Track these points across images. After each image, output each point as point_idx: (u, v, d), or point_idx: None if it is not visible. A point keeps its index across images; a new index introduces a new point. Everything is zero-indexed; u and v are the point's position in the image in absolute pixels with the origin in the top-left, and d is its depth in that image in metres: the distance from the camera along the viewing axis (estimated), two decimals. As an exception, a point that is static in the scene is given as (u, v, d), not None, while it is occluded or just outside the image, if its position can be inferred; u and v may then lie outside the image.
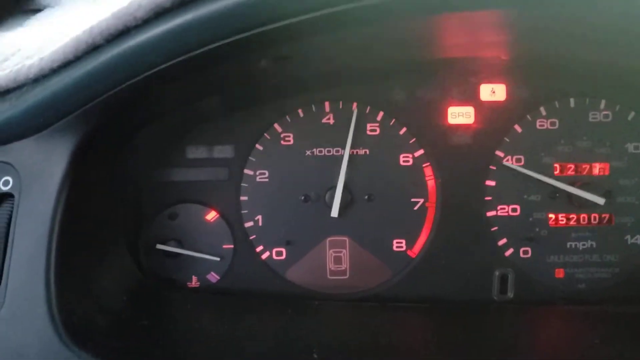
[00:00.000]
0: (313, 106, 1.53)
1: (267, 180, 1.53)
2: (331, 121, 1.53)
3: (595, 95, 1.51)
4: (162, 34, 0.90)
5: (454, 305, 1.50)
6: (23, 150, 1.13)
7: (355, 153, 1.52)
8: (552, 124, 1.51)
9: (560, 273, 1.53)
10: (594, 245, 1.52)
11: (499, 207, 1.51)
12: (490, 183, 1.51)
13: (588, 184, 1.49)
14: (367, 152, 1.52)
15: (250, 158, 1.52)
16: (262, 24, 0.87)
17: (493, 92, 1.51)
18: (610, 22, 1.04)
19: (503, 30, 1.23)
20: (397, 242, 1.53)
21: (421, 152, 1.52)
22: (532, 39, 1.30)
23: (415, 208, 1.53)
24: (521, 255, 1.52)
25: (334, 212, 1.48)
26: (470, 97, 1.51)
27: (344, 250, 1.54)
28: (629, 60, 1.34)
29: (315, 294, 1.55)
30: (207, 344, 1.22)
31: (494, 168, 1.51)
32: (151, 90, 1.08)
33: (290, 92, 1.51)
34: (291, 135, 1.53)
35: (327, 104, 1.53)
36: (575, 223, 1.52)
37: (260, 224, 1.53)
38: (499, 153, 1.51)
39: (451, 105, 1.51)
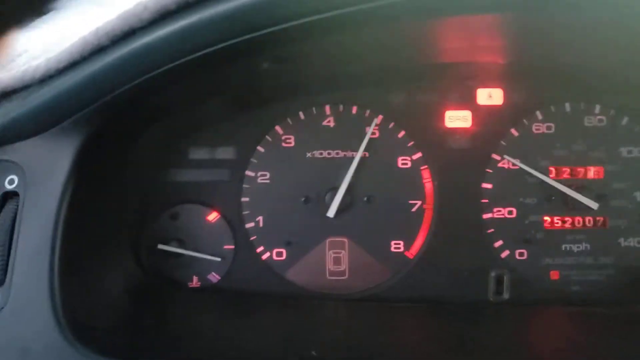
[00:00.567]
0: (314, 109, 1.55)
1: (268, 181, 1.55)
2: (331, 124, 1.55)
3: (591, 100, 1.53)
4: (167, 35, 0.92)
5: (451, 305, 1.52)
6: (29, 150, 1.15)
7: (354, 156, 1.53)
8: (548, 128, 1.53)
9: (555, 275, 1.55)
10: (589, 248, 1.54)
11: (495, 210, 1.54)
12: (487, 186, 1.54)
13: (583, 187, 1.51)
14: (367, 155, 1.54)
15: (251, 160, 1.54)
16: (266, 26, 0.89)
17: (490, 96, 1.53)
18: (605, 29, 1.06)
19: (500, 35, 1.26)
20: (395, 244, 1.55)
21: (419, 155, 1.54)
22: (529, 44, 1.33)
23: (413, 210, 1.55)
24: (517, 257, 1.54)
25: (331, 212, 1.50)
26: (467, 101, 1.53)
27: (344, 251, 1.56)
28: (623, 66, 1.37)
29: (314, 294, 1.56)
30: (208, 342, 1.23)
31: (491, 171, 1.53)
32: (155, 91, 1.10)
33: (292, 95, 1.53)
34: (292, 137, 1.55)
35: (327, 107, 1.55)
36: (570, 226, 1.54)
37: (261, 224, 1.55)
38: (496, 156, 1.53)
39: (449, 109, 1.53)
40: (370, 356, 1.20)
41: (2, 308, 1.07)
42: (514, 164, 1.53)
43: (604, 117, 1.53)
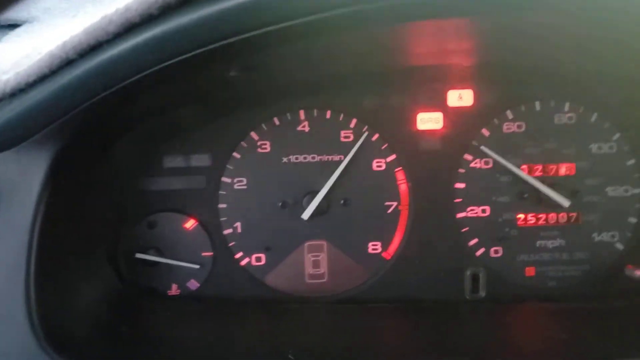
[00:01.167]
0: (288, 114, 1.56)
1: (244, 187, 1.56)
2: (306, 129, 1.56)
3: (560, 97, 1.55)
4: (133, 47, 0.93)
5: (428, 305, 1.54)
6: (1, 163, 1.15)
7: (330, 159, 1.55)
8: (519, 127, 1.55)
9: (531, 271, 1.57)
10: (563, 244, 1.56)
11: (468, 209, 1.56)
12: (460, 185, 1.56)
13: (556, 184, 1.53)
14: (342, 158, 1.55)
15: (227, 166, 1.55)
16: (228, 36, 0.90)
17: (460, 97, 1.55)
18: (571, 28, 1.08)
19: (468, 37, 1.27)
20: (372, 245, 1.57)
21: (393, 157, 1.56)
22: (498, 45, 1.35)
23: (389, 211, 1.57)
24: (492, 254, 1.56)
25: (305, 215, 1.52)
26: (438, 103, 1.55)
27: (322, 254, 1.58)
28: (592, 63, 1.39)
29: (294, 298, 1.58)
30: (188, 351, 1.24)
31: (463, 171, 1.56)
32: (126, 101, 1.11)
33: (266, 101, 1.55)
34: (267, 143, 1.56)
35: (301, 112, 1.56)
36: (544, 222, 1.56)
37: (239, 230, 1.56)
38: (468, 156, 1.56)
39: (420, 112, 1.55)
40: (350, 358, 1.22)
41: (-22, 320, 1.07)
42: (486, 163, 1.55)
43: (573, 115, 1.55)
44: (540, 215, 1.56)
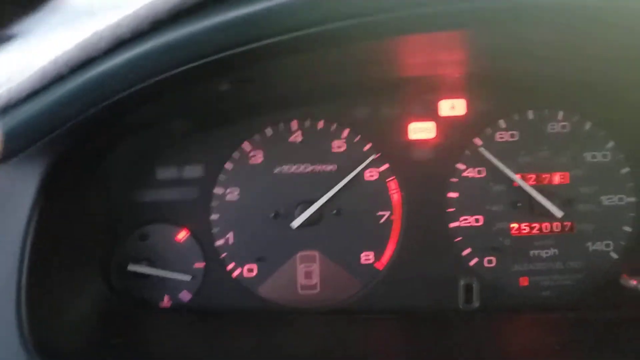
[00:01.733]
0: (281, 125, 1.56)
1: (237, 198, 1.55)
2: (299, 139, 1.56)
3: (554, 106, 1.55)
4: (124, 63, 0.94)
5: (422, 315, 1.53)
6: (-7, 177, 1.15)
7: (323, 170, 1.55)
8: (512, 135, 1.55)
9: (524, 281, 1.56)
10: (557, 253, 1.55)
11: (461, 219, 1.55)
12: (453, 195, 1.55)
13: (550, 193, 1.52)
14: (334, 169, 1.55)
15: (219, 177, 1.55)
16: (218, 51, 0.91)
17: (453, 107, 1.55)
18: (564, 38, 1.08)
19: (462, 48, 1.28)
20: (364, 255, 1.57)
21: (386, 167, 1.56)
22: (490, 55, 1.35)
23: (382, 221, 1.56)
24: (485, 264, 1.56)
25: (295, 224, 1.52)
26: (430, 113, 1.55)
27: (314, 265, 1.57)
28: (586, 72, 1.40)
29: (286, 309, 1.57)
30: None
31: (456, 180, 1.55)
32: (117, 115, 1.11)
33: (258, 111, 1.55)
34: (260, 153, 1.56)
35: (294, 122, 1.56)
36: (537, 232, 1.55)
37: (231, 242, 1.55)
38: (460, 166, 1.55)
39: (413, 121, 1.55)
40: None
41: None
42: (479, 172, 1.55)
43: (567, 123, 1.55)
44: (534, 225, 1.55)
